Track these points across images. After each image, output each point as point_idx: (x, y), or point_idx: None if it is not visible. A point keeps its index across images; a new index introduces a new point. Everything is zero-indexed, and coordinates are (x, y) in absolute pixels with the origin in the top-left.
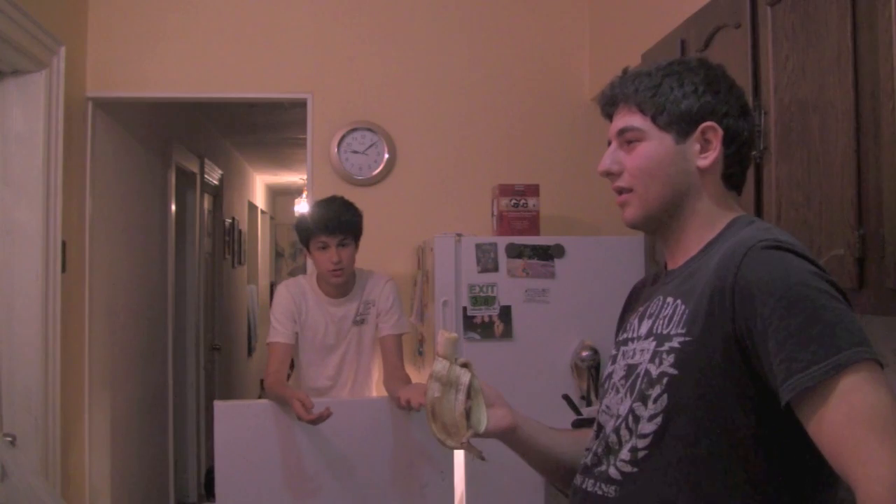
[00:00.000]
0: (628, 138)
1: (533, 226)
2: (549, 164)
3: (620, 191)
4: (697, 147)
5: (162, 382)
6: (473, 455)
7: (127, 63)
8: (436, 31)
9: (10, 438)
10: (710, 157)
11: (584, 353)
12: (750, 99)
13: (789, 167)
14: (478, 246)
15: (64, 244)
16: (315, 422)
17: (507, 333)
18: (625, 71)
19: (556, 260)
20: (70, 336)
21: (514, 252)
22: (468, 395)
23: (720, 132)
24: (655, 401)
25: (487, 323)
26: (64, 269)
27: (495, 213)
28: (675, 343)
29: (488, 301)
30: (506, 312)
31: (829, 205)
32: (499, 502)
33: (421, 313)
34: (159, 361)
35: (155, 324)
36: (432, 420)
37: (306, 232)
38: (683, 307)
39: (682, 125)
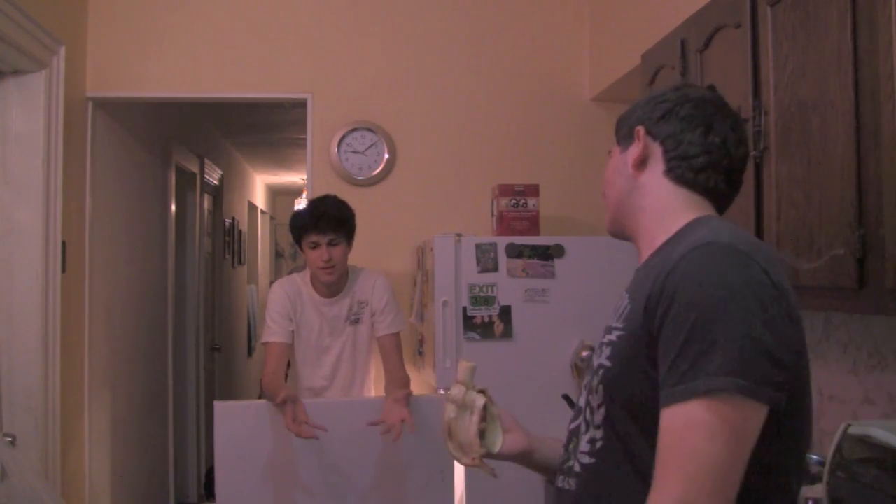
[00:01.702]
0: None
1: (533, 226)
2: (549, 164)
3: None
4: (633, 149)
5: (162, 382)
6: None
7: (127, 63)
8: (436, 31)
9: (10, 438)
10: (631, 151)
11: (584, 353)
12: (750, 99)
13: (789, 167)
14: (478, 246)
15: (64, 244)
16: (300, 435)
17: (507, 333)
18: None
19: (555, 260)
20: (70, 336)
21: (514, 252)
22: (483, 419)
23: (641, 129)
24: (597, 391)
25: (487, 323)
26: (64, 269)
27: (495, 213)
28: (613, 336)
29: (488, 301)
30: (506, 312)
31: (829, 205)
32: (499, 502)
33: (421, 313)
34: (159, 361)
35: (155, 324)
36: (448, 439)
37: (298, 230)
38: (627, 302)
39: (626, 136)
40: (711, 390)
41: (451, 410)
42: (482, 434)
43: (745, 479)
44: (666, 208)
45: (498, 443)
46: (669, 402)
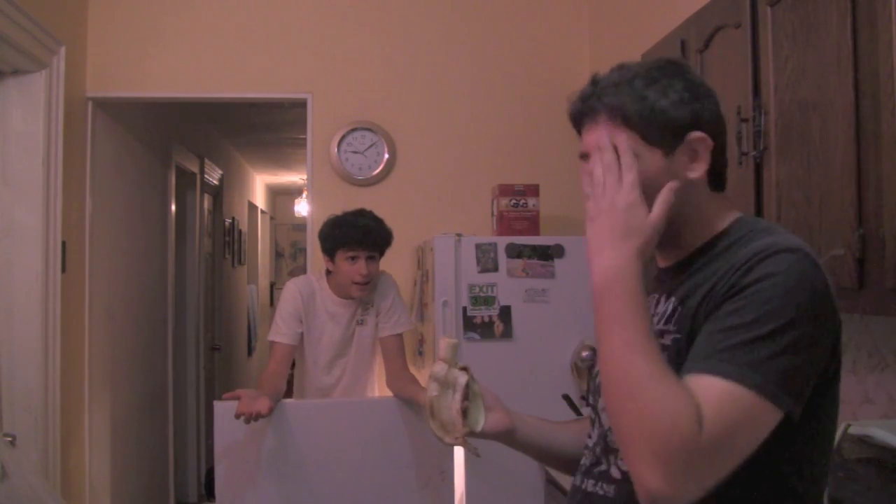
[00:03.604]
0: None
1: (533, 226)
2: (549, 164)
3: None
4: (685, 158)
5: (162, 382)
6: (469, 450)
7: (127, 63)
8: (436, 32)
9: (10, 438)
10: (700, 168)
11: (585, 353)
12: (750, 99)
13: (789, 167)
14: (478, 246)
15: (64, 244)
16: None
17: (507, 333)
18: (595, 80)
19: (555, 260)
20: (70, 336)
21: (514, 252)
22: (466, 397)
23: (710, 143)
24: None
25: (487, 323)
26: (64, 269)
27: (495, 213)
28: (666, 340)
29: (488, 301)
30: (506, 312)
31: (829, 205)
32: (499, 502)
33: (421, 313)
34: (159, 361)
35: (155, 324)
36: (431, 417)
37: (339, 240)
38: (677, 304)
39: (670, 138)
40: (761, 391)
41: (433, 388)
42: (465, 413)
43: (794, 485)
44: (712, 214)
45: (481, 421)
46: (704, 370)
